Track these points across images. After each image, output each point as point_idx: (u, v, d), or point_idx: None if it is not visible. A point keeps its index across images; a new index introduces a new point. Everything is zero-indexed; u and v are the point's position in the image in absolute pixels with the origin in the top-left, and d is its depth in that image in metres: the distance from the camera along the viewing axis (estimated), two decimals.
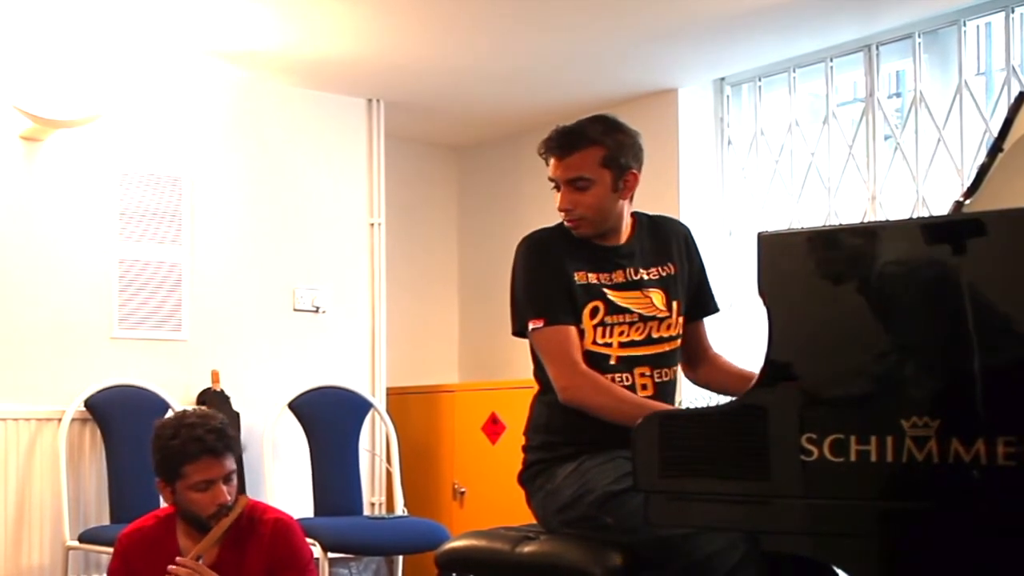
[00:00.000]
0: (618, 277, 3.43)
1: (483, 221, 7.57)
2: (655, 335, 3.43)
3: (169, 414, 5.58)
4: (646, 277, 3.45)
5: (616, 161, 3.40)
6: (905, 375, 2.33)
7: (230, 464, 3.69)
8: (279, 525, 3.80)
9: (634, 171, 3.44)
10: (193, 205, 5.99)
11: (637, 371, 3.39)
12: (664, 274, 3.49)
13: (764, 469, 2.43)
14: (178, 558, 3.63)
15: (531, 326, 3.37)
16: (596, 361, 3.35)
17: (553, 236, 3.48)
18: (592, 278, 3.40)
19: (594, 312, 3.37)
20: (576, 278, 3.38)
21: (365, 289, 6.55)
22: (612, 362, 3.37)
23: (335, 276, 6.44)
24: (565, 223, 3.45)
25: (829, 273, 2.42)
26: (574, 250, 3.43)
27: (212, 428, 3.68)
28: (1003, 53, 5.21)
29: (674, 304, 3.47)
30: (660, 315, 3.44)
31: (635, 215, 3.54)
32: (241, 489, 4.48)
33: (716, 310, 3.65)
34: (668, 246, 3.56)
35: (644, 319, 3.41)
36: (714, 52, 5.89)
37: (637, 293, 3.42)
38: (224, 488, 3.66)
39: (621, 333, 3.39)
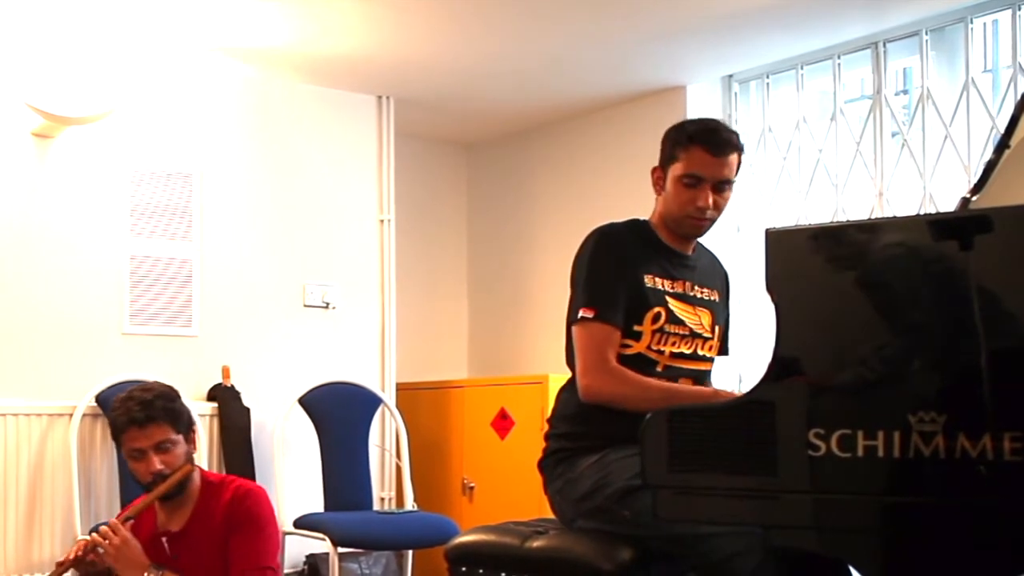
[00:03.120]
0: (679, 287, 3.45)
1: (493, 217, 7.59)
2: (700, 352, 3.46)
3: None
4: (698, 295, 3.49)
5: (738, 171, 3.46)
6: (912, 370, 2.34)
7: (158, 434, 3.74)
8: (239, 491, 3.87)
9: None
10: (204, 201, 6.01)
11: (681, 382, 3.40)
12: (711, 298, 3.53)
13: (772, 464, 2.43)
14: (111, 520, 3.77)
15: (581, 313, 3.35)
16: (644, 365, 3.35)
17: (627, 233, 3.47)
18: (659, 283, 3.41)
19: (656, 318, 3.37)
20: (646, 280, 3.38)
21: (375, 285, 6.57)
22: (659, 369, 3.38)
23: (345, 272, 6.46)
24: (692, 221, 3.42)
25: (836, 269, 2.43)
26: (648, 251, 3.44)
27: (140, 400, 3.75)
28: (1010, 50, 5.21)
29: (716, 329, 3.52)
30: (706, 334, 3.47)
31: None
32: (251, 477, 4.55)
33: (727, 353, 3.67)
34: (715, 276, 3.62)
35: (694, 335, 3.44)
36: (722, 49, 5.90)
37: (690, 308, 3.45)
38: (156, 457, 3.74)
39: (673, 344, 3.40)
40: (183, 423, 3.83)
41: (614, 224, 3.49)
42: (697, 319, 3.46)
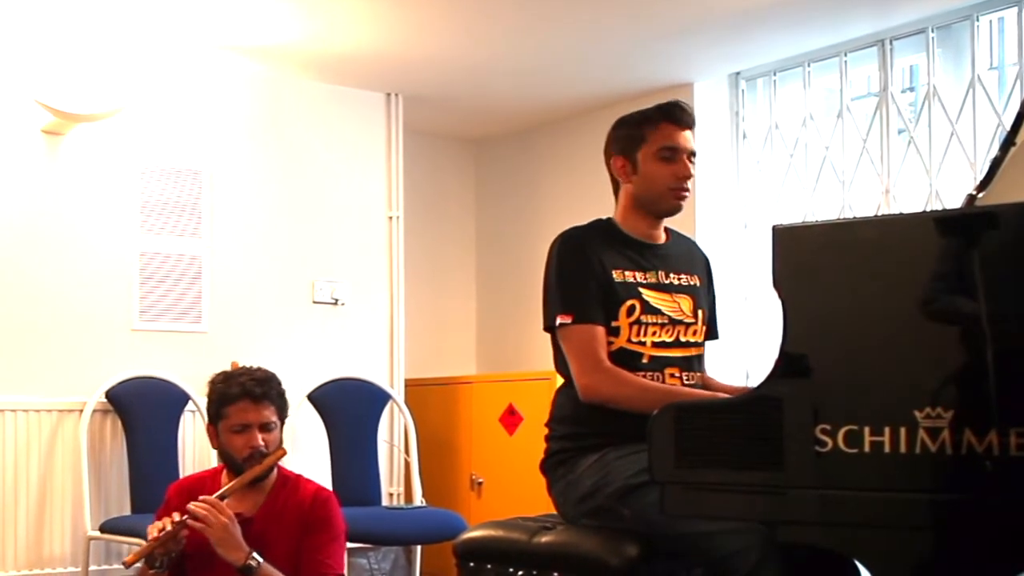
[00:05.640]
0: (651, 277, 3.44)
1: (500, 214, 7.61)
2: (683, 339, 3.45)
3: (189, 405, 5.67)
4: (676, 282, 3.48)
5: None
6: (918, 366, 2.34)
7: (268, 414, 3.88)
8: (321, 492, 3.98)
9: None
10: (213, 198, 6.03)
11: (668, 371, 3.40)
12: (691, 283, 3.52)
13: (778, 460, 2.43)
14: (201, 496, 3.73)
15: (559, 321, 3.37)
16: (629, 359, 3.35)
17: (590, 233, 3.48)
18: (629, 276, 3.40)
19: (631, 310, 3.37)
20: (615, 276, 3.38)
21: (383, 281, 6.58)
22: (644, 361, 3.37)
23: (354, 269, 6.47)
24: (675, 193, 3.42)
25: (843, 266, 2.43)
26: (613, 247, 3.44)
27: (255, 377, 3.91)
28: (1016, 47, 5.22)
29: (700, 312, 3.50)
30: (687, 320, 3.46)
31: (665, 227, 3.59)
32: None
33: (716, 337, 3.66)
34: (694, 261, 3.61)
35: (673, 322, 3.43)
36: (729, 47, 5.91)
37: (667, 296, 3.44)
38: (259, 435, 3.84)
39: (654, 333, 3.39)
40: (283, 412, 3.99)
41: (575, 227, 3.50)
42: (675, 305, 3.44)
